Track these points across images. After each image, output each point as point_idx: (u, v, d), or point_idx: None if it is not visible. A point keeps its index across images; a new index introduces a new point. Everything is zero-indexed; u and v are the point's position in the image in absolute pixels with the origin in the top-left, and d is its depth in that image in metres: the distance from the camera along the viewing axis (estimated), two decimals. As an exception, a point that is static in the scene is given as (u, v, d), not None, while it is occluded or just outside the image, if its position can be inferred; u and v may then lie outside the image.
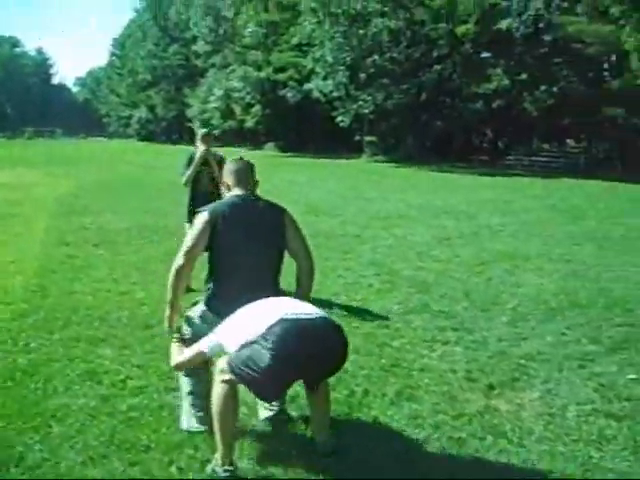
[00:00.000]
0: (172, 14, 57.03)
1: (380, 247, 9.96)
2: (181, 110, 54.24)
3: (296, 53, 34.66)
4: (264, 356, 3.05)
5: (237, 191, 3.85)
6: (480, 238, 10.98)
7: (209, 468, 3.32)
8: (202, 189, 7.26)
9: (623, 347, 5.69)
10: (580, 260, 9.24)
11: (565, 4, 23.75)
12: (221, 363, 3.30)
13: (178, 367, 3.68)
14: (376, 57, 28.39)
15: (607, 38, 20.53)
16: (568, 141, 35.68)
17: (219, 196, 7.20)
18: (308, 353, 3.13)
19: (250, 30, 37.72)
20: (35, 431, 3.67)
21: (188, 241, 3.66)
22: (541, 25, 24.26)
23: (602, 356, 5.42)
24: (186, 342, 3.65)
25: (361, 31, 27.43)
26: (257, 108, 41.05)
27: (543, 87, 25.83)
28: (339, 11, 27.92)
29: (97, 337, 5.32)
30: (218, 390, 3.28)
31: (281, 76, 36.21)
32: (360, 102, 29.82)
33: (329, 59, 28.81)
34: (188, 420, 3.77)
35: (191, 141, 52.07)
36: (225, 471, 3.26)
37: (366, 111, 29.98)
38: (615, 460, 3.69)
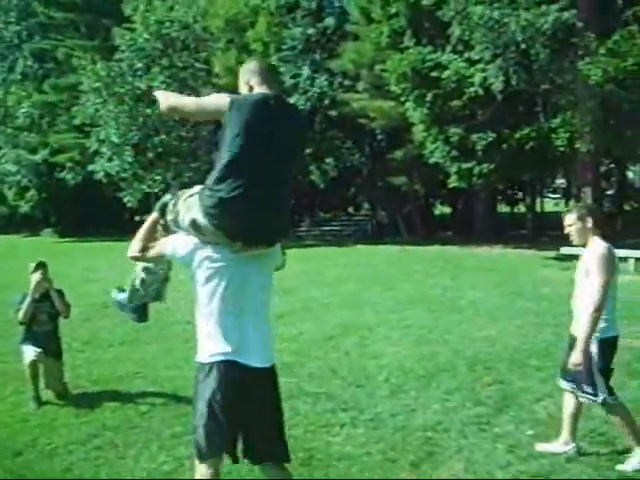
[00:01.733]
0: None
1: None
2: (-59, 197, 49.62)
3: (76, 134, 33.35)
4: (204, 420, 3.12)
5: (265, 90, 3.25)
6: (313, 312, 11.01)
7: None
8: (39, 327, 6.37)
9: (506, 405, 5.94)
10: (419, 324, 9.59)
11: (347, 82, 25.44)
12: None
13: (134, 257, 3.47)
14: (164, 136, 28.14)
15: (389, 113, 22.28)
16: (354, 210, 37.79)
17: (58, 337, 6.57)
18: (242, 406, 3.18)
19: (23, 111, 35.75)
20: None
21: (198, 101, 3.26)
22: (326, 102, 25.64)
23: (493, 417, 5.61)
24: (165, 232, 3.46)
25: (147, 110, 27.12)
26: (32, 192, 38.63)
27: (328, 160, 27.19)
28: (123, 90, 27.45)
29: (-40, 476, 4.46)
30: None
31: (60, 158, 34.48)
32: (149, 182, 29.19)
33: (115, 139, 28.02)
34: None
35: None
36: None
37: (156, 190, 29.39)
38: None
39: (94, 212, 39.04)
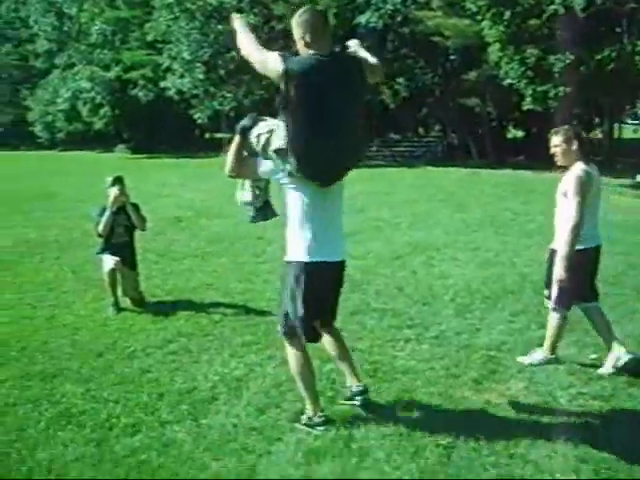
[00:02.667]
0: (3, 11, 53.27)
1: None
2: (20, 114, 50.86)
3: (149, 51, 33.55)
4: (297, 308, 3.76)
5: (318, 47, 3.59)
6: (382, 232, 11.10)
7: (304, 418, 3.89)
8: (116, 240, 6.65)
9: (571, 329, 5.90)
10: (486, 247, 9.56)
11: (421, -1, 24.66)
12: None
13: (231, 176, 3.98)
14: (234, 53, 27.99)
15: (465, 31, 21.53)
16: (424, 131, 37.17)
17: (134, 249, 6.86)
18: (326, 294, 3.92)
19: (97, 28, 36.05)
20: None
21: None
22: (399, 19, 24.90)
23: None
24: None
25: (219, 27, 26.98)
26: (106, 109, 39.31)
27: (400, 79, 26.63)
28: (194, 7, 27.34)
29: (48, 372, 4.79)
30: (290, 353, 3.92)
31: (133, 74, 34.90)
32: (220, 99, 29.35)
33: (186, 56, 28.10)
34: None
35: (32, 146, 49.37)
36: (319, 417, 3.87)
37: (227, 108, 29.54)
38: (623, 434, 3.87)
39: (166, 129, 39.58)
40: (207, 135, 45.46)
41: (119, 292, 6.57)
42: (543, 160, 23.92)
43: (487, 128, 27.76)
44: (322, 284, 3.81)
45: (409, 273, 8.05)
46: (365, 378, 4.63)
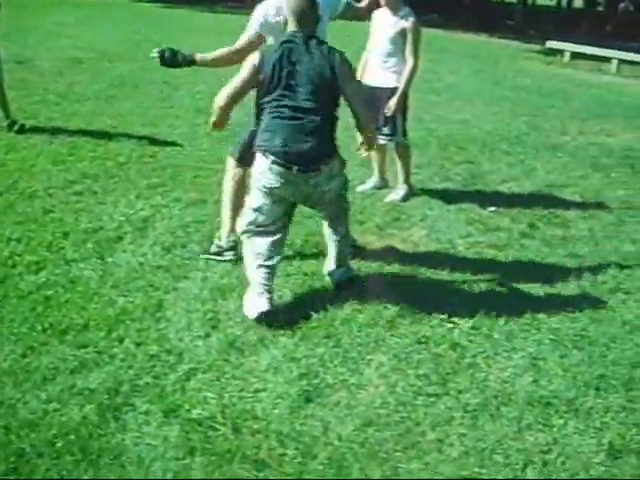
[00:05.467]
0: None
1: (197, 93, 9.38)
2: None
3: None
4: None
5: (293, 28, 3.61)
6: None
7: (213, 247, 4.05)
8: None
9: (473, 183, 6.20)
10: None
11: None
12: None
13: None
14: None
15: None
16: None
17: None
18: None
19: None
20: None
21: (235, 84, 3.63)
22: None
23: (459, 193, 5.87)
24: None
25: None
26: None
27: None
28: None
29: (-55, 209, 4.60)
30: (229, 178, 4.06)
31: None
32: None
33: None
34: None
35: None
36: (227, 242, 4.00)
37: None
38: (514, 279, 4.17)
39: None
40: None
41: None
42: (455, 20, 23.87)
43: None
44: None
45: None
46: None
